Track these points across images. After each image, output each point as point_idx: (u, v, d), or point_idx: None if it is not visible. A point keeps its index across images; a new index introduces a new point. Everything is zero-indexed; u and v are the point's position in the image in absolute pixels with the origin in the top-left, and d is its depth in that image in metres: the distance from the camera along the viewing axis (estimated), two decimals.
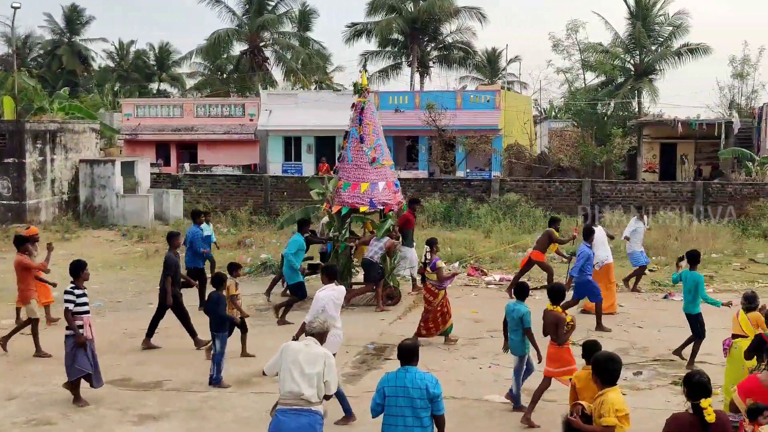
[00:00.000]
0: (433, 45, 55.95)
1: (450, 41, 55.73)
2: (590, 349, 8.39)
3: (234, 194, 34.27)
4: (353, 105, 18.67)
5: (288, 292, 17.28)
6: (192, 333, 14.30)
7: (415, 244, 19.67)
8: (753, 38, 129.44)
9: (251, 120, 45.55)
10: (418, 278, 18.20)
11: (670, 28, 46.97)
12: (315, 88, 54.98)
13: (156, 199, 31.52)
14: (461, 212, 31.26)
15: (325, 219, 18.92)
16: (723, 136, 39.78)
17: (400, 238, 18.44)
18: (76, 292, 11.27)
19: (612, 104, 44.47)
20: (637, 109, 46.82)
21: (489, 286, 21.05)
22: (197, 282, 16.64)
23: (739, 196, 30.80)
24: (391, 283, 18.29)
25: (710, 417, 6.30)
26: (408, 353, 7.57)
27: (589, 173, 38.02)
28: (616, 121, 43.40)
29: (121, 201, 30.86)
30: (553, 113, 54.25)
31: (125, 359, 13.67)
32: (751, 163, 35.48)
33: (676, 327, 15.14)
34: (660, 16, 47.09)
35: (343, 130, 42.06)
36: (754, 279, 21.52)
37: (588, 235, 16.12)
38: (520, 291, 11.32)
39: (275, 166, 44.59)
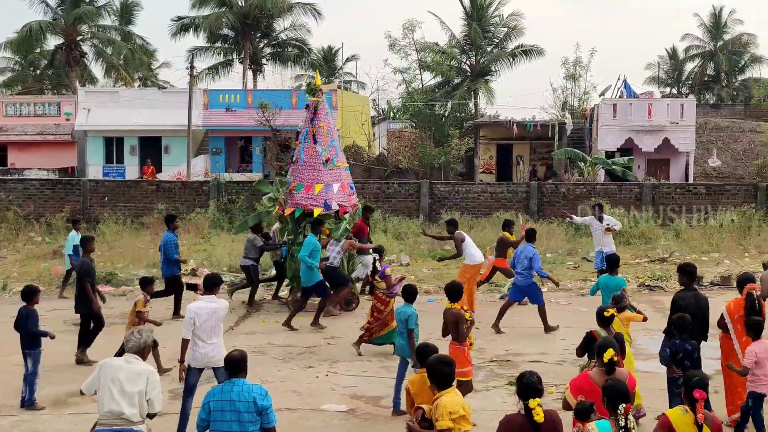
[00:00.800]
0: (266, 41, 54.07)
1: (284, 38, 54.07)
2: (424, 352, 8.22)
3: (49, 200, 32.06)
4: (307, 105, 18.46)
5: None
6: (91, 342, 13.60)
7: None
8: (585, 40, 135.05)
9: (68, 119, 42.47)
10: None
11: (505, 29, 47.32)
12: (139, 86, 52.43)
13: None
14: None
15: (277, 225, 18.86)
16: (556, 137, 40.36)
17: (356, 240, 18.18)
18: None
19: (449, 105, 44.27)
20: (473, 110, 46.88)
21: None
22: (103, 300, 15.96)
23: (572, 195, 31.45)
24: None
25: (539, 417, 6.32)
26: (234, 365, 7.36)
27: (428, 174, 37.81)
28: (454, 122, 43.29)
29: None
30: (392, 114, 53.66)
31: None
32: (583, 164, 36.23)
33: (510, 327, 15.82)
34: (495, 17, 47.41)
35: (170, 129, 41.14)
36: (586, 277, 22.07)
37: (531, 236, 16.01)
38: (408, 294, 11.31)
39: (95, 169, 41.73)
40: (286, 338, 15.32)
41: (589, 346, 9.05)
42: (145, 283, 13.16)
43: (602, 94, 44.19)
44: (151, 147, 41.88)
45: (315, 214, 17.39)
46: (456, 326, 10.33)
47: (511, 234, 18.20)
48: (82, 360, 13.32)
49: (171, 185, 33.32)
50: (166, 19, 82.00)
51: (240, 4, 50.42)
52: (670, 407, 8.89)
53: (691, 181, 37.74)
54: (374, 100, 53.47)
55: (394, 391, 11.06)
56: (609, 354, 7.48)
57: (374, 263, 14.38)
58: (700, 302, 10.41)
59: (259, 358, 13.57)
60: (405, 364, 11.07)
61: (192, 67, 41.47)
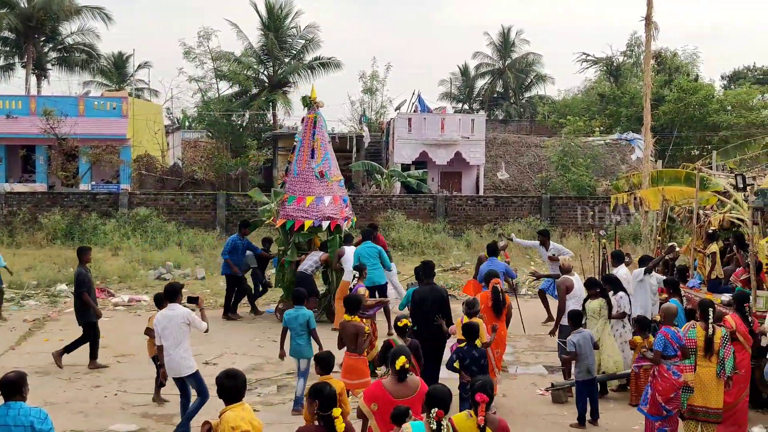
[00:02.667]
0: (51, 45, 51.30)
1: (71, 42, 51.47)
2: (326, 360, 8.89)
3: None
4: (303, 119, 18.62)
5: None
6: (93, 354, 14.09)
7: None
8: (381, 55, 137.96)
9: None
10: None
11: (302, 41, 47.37)
12: None
13: None
14: (85, 228, 29.13)
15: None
16: (355, 149, 40.73)
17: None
18: None
19: (247, 115, 43.76)
20: (271, 121, 46.55)
21: (117, 308, 19.99)
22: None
23: (369, 207, 31.93)
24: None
25: (340, 427, 6.43)
26: (10, 387, 6.92)
27: (224, 186, 37.10)
28: (252, 132, 42.77)
29: None
30: (187, 123, 52.31)
31: None
32: (380, 176, 36.74)
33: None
34: (292, 28, 47.36)
35: None
36: None
37: (495, 251, 15.53)
38: (297, 297, 11.68)
39: None
40: (72, 358, 14.50)
41: (386, 354, 9.10)
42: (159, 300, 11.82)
43: (398, 108, 45.08)
44: None
45: (306, 227, 17.55)
46: (355, 338, 10.43)
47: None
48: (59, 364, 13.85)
49: None
50: None
51: (23, 5, 47.55)
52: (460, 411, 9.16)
53: (481, 193, 39.20)
54: (168, 109, 52.03)
55: (298, 389, 11.46)
56: (401, 362, 7.64)
57: (354, 280, 13.86)
58: (435, 293, 11.92)
59: (42, 379, 13.08)
60: (308, 363, 11.35)
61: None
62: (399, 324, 9.86)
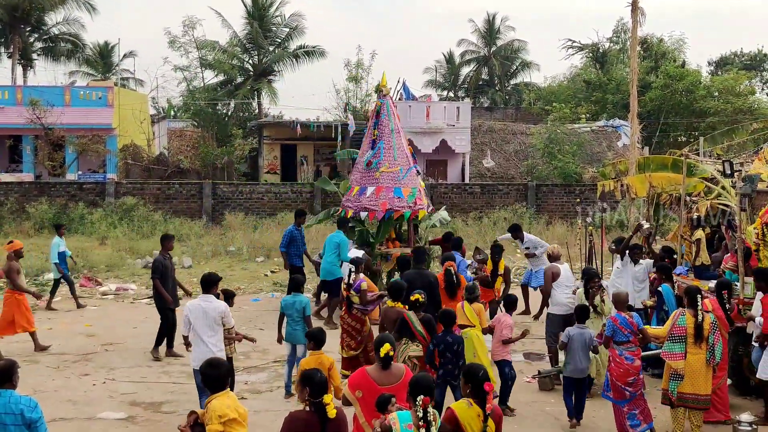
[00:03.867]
0: (36, 36, 51.02)
1: (56, 32, 51.21)
2: (318, 336, 9.22)
3: None
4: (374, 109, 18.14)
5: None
6: (163, 341, 14.13)
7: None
8: (366, 43, 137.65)
9: None
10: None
11: (287, 29, 47.25)
12: None
13: None
14: (72, 218, 29.13)
15: None
16: (339, 137, 40.65)
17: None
18: None
19: (232, 104, 43.67)
20: (257, 110, 46.48)
21: (105, 296, 20.11)
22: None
23: None
24: None
25: (332, 412, 6.45)
26: (0, 375, 6.86)
27: (210, 175, 37.14)
28: (237, 121, 42.70)
29: None
30: (172, 112, 52.07)
31: None
32: None
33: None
34: (276, 17, 47.24)
35: None
36: None
37: (451, 241, 15.77)
38: (295, 284, 11.95)
39: None
40: (60, 346, 14.69)
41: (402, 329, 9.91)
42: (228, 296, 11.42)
43: None
44: None
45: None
46: (396, 324, 10.37)
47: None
48: (158, 357, 13.96)
49: None
50: None
51: None
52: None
53: (467, 181, 39.26)
54: (154, 98, 51.85)
55: (285, 375, 11.72)
56: (385, 349, 7.61)
57: (349, 275, 13.06)
58: (424, 278, 12.07)
59: (31, 368, 13.10)
60: (295, 351, 11.58)
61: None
62: (411, 299, 10.09)
